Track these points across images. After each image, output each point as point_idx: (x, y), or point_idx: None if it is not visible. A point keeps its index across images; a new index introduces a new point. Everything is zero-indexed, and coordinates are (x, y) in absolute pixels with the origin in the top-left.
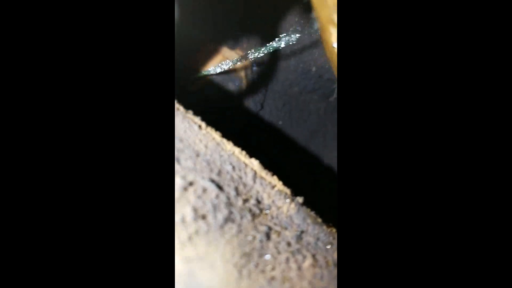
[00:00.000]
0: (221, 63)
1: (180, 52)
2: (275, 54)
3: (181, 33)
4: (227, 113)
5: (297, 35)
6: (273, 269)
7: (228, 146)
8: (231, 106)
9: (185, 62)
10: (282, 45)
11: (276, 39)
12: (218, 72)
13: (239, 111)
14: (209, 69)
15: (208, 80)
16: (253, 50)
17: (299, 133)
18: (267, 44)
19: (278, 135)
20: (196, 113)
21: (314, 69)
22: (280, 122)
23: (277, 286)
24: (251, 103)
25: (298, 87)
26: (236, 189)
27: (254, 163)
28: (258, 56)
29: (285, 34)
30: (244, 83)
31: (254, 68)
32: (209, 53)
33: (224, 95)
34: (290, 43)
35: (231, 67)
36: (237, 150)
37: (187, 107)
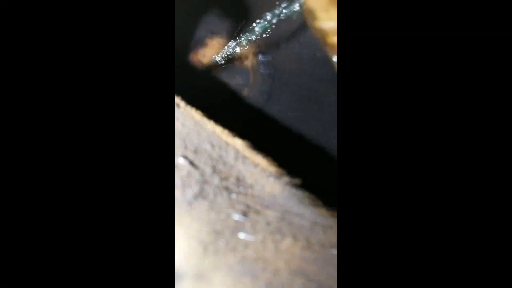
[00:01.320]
0: (218, 52)
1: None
2: (280, 42)
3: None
4: (235, 106)
5: (284, 10)
6: (246, 247)
7: (209, 125)
8: (239, 99)
9: (190, 58)
10: (274, 20)
11: (266, 15)
12: (220, 62)
13: (246, 104)
14: (213, 59)
15: (215, 74)
16: (247, 30)
17: (313, 125)
18: (258, 21)
19: (289, 127)
20: (205, 108)
21: (318, 54)
22: (290, 114)
23: (248, 265)
24: (258, 96)
25: (306, 76)
26: (214, 167)
27: (238, 142)
28: (253, 37)
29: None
30: (251, 74)
31: (261, 58)
32: (211, 46)
33: (232, 87)
34: (281, 17)
35: (233, 56)
36: (218, 129)
37: (195, 102)
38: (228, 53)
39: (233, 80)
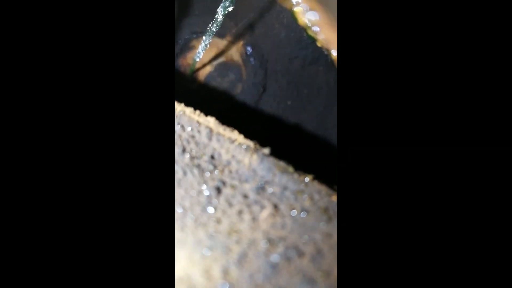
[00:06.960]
0: (196, 52)
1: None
2: (264, 30)
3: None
4: (232, 103)
5: None
6: (219, 222)
7: (178, 107)
8: (235, 95)
9: (180, 62)
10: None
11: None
12: (201, 57)
13: (242, 99)
14: (194, 57)
15: (207, 75)
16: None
17: (312, 110)
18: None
19: (288, 116)
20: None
21: (305, 34)
22: (289, 102)
23: (220, 239)
24: (252, 89)
25: (298, 61)
26: (183, 147)
27: (210, 121)
28: (217, 24)
29: None
30: (243, 69)
31: (249, 50)
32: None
33: (226, 85)
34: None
35: (219, 52)
36: (188, 110)
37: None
38: (202, 50)
39: (226, 78)
